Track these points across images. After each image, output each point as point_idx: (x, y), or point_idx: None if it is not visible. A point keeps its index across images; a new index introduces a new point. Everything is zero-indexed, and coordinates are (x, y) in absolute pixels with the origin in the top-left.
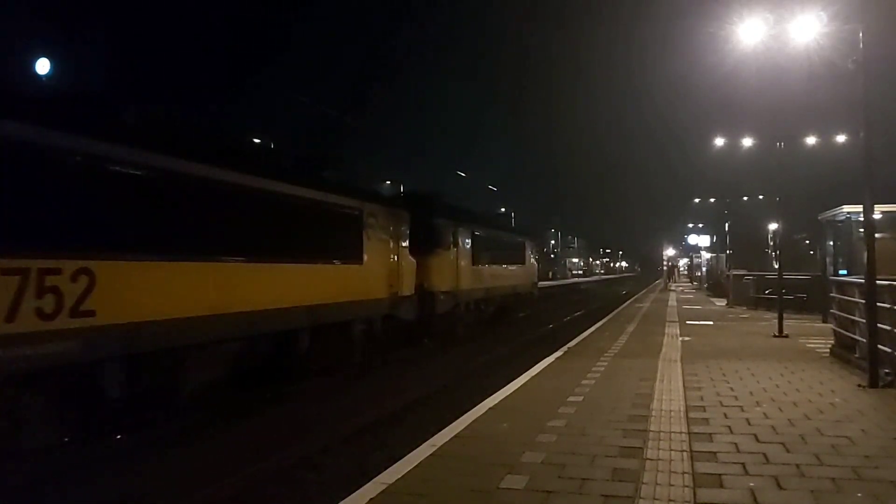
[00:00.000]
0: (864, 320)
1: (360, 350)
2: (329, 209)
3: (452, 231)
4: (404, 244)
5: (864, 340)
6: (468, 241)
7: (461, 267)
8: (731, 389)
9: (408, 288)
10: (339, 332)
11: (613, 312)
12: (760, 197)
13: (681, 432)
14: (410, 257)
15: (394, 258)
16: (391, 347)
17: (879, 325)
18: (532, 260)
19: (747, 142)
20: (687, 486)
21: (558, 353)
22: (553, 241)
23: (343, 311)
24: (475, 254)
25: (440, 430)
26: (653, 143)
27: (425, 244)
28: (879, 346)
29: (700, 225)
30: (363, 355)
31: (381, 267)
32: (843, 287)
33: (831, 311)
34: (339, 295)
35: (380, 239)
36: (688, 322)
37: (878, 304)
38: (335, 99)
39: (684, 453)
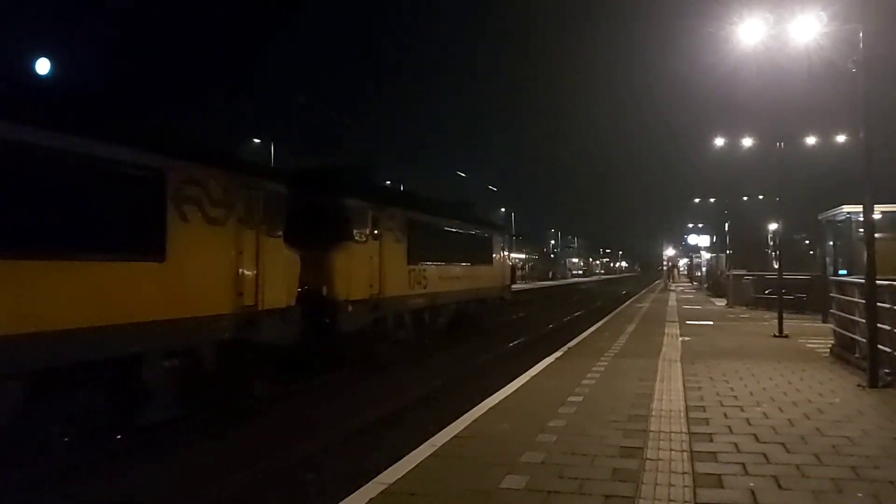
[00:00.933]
0: (864, 320)
1: (164, 401)
2: (78, 164)
3: (371, 216)
4: (275, 233)
5: (864, 340)
6: (400, 231)
7: (387, 266)
8: (731, 389)
9: (278, 297)
10: (114, 375)
11: (613, 312)
12: (760, 197)
13: (681, 432)
14: (290, 252)
15: (247, 252)
16: (244, 389)
17: (879, 325)
18: (502, 258)
19: (747, 142)
20: (687, 486)
21: (558, 353)
22: (553, 241)
23: (118, 341)
24: (413, 249)
25: (440, 430)
26: (653, 143)
27: (321, 234)
28: (879, 346)
29: (700, 225)
30: (177, 407)
31: (213, 266)
32: (843, 287)
33: (831, 311)
34: (109, 314)
35: (212, 223)
36: (688, 322)
37: (878, 304)
38: (335, 99)
39: (684, 453)
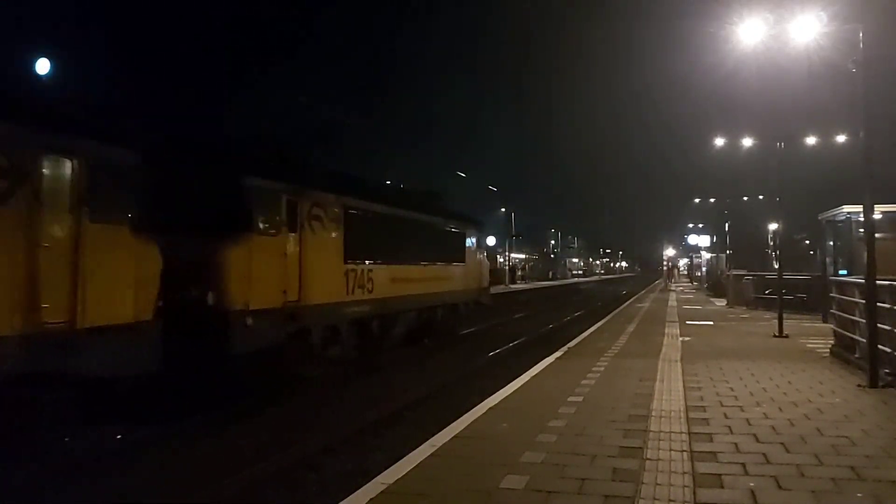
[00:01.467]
0: (864, 320)
1: None
2: None
3: (286, 201)
4: (112, 217)
5: (864, 340)
6: (333, 221)
7: (312, 265)
8: (731, 389)
9: (118, 309)
10: None
11: (613, 312)
12: (760, 197)
13: (681, 432)
14: (145, 246)
15: (55, 245)
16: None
17: (879, 325)
18: (478, 256)
19: (747, 142)
20: (687, 486)
21: (558, 353)
22: (553, 241)
23: None
24: (352, 244)
25: (440, 430)
26: (653, 143)
27: (202, 222)
28: (879, 346)
29: (700, 225)
30: None
31: None
32: (843, 287)
33: (831, 311)
34: None
35: None
36: (688, 322)
37: (878, 304)
38: (334, 99)
39: (684, 453)
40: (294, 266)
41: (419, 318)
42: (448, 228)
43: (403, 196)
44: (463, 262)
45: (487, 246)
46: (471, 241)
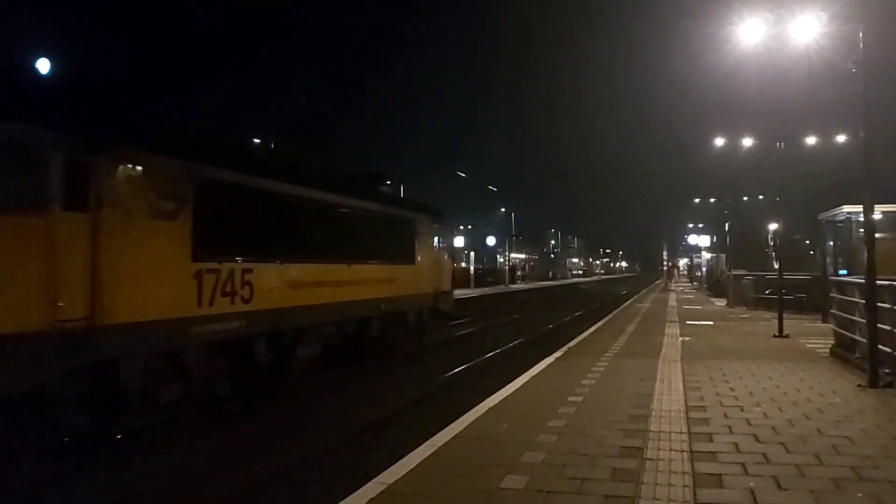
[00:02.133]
0: (864, 320)
1: None
2: None
3: (63, 161)
4: None
5: (864, 340)
6: (172, 200)
7: (121, 263)
8: (732, 389)
9: None
10: None
11: (613, 312)
12: (760, 197)
13: (681, 432)
14: None
15: None
16: None
17: (879, 325)
18: (434, 254)
19: (747, 142)
20: (687, 487)
21: (558, 353)
22: (553, 241)
23: None
24: (210, 234)
25: (440, 430)
26: (653, 143)
27: None
28: (879, 346)
29: (700, 225)
30: None
31: None
32: (843, 287)
33: (831, 311)
34: None
35: None
36: (688, 322)
37: (878, 304)
38: (332, 98)
39: (684, 453)
40: (79, 264)
41: (341, 334)
42: (389, 218)
43: (317, 172)
44: (412, 260)
45: (448, 239)
46: (424, 235)
